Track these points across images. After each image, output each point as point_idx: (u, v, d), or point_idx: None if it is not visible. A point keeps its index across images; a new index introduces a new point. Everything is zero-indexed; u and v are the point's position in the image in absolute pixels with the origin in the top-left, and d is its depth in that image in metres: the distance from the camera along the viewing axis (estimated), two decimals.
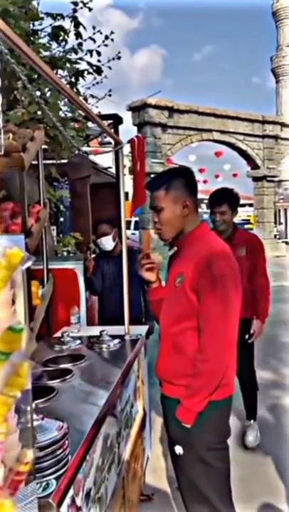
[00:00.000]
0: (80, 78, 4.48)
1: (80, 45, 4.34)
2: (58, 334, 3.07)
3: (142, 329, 3.20)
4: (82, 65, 4.46)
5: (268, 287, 3.43)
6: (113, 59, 4.71)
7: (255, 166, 21.87)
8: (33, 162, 2.86)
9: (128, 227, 17.32)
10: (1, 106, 1.73)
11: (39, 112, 3.70)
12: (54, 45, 4.26)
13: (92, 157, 8.08)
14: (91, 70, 4.55)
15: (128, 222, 17.87)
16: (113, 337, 2.83)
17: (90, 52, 4.46)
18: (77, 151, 4.39)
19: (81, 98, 4.16)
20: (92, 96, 4.93)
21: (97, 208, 6.97)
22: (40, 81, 3.69)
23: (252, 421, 3.60)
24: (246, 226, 20.68)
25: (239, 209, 3.62)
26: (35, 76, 3.67)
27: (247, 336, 3.41)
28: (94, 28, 4.47)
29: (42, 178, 3.17)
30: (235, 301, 1.83)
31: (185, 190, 1.94)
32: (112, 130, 5.33)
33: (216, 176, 22.67)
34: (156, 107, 17.37)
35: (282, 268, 15.06)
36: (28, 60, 1.57)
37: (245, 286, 3.28)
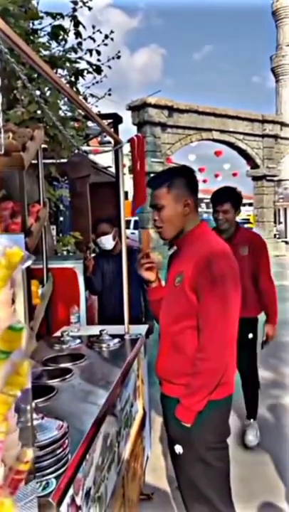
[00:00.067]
0: (80, 77, 4.49)
1: (79, 44, 4.35)
2: (58, 333, 3.07)
3: (142, 328, 3.20)
4: (82, 65, 4.47)
5: (274, 290, 3.43)
6: (113, 58, 4.72)
7: (254, 166, 21.86)
8: (33, 161, 2.85)
9: (128, 227, 17.34)
10: (1, 105, 1.73)
11: (39, 111, 3.70)
12: (54, 44, 4.27)
13: (91, 156, 8.08)
14: (91, 70, 4.55)
15: (128, 222, 17.87)
16: (113, 336, 2.82)
17: (90, 51, 4.46)
18: (76, 151, 4.39)
19: (81, 97, 4.15)
20: (92, 95, 4.93)
21: (96, 207, 6.97)
22: (40, 80, 3.69)
23: (252, 420, 3.60)
24: (246, 225, 20.64)
25: None
26: (35, 75, 3.67)
27: (251, 336, 3.42)
28: (94, 27, 4.47)
29: (42, 177, 3.17)
30: (234, 301, 1.83)
31: (187, 189, 1.94)
32: (112, 129, 5.33)
33: (216, 176, 22.65)
34: (155, 106, 17.36)
35: (282, 267, 15.06)
36: (28, 60, 1.56)
37: (248, 286, 3.29)
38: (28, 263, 0.98)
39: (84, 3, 4.23)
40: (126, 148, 3.54)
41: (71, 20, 4.24)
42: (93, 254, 4.17)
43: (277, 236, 24.81)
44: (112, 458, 2.02)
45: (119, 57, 4.77)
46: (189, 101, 20.18)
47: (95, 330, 3.04)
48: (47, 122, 3.66)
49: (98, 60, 4.56)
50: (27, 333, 0.97)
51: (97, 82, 4.80)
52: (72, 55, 4.34)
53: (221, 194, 3.41)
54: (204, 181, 23.14)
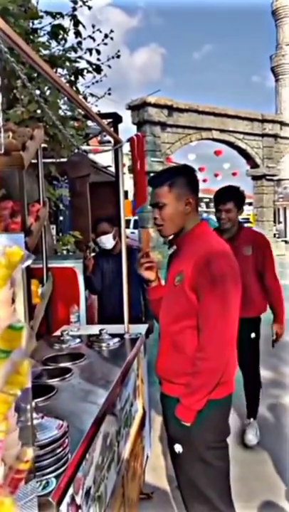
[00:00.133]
0: (80, 77, 4.49)
1: (79, 43, 4.34)
2: (58, 333, 3.07)
3: (142, 328, 3.20)
4: (82, 64, 4.47)
5: (280, 289, 3.44)
6: (112, 57, 4.72)
7: (254, 165, 21.85)
8: (33, 161, 2.85)
9: (127, 226, 17.34)
10: (1, 104, 1.73)
11: (39, 111, 3.70)
12: (53, 43, 4.27)
13: (91, 156, 8.07)
14: (90, 69, 4.55)
15: (127, 221, 17.87)
16: (113, 336, 2.82)
17: (90, 50, 4.46)
18: (76, 150, 4.40)
19: (80, 97, 4.15)
20: (92, 95, 4.93)
21: (96, 206, 6.98)
22: (40, 80, 3.69)
23: (252, 419, 3.60)
24: (246, 225, 20.62)
25: None
26: (35, 75, 3.67)
27: (253, 335, 3.43)
28: (93, 26, 4.47)
29: (41, 176, 3.16)
30: (234, 300, 1.82)
31: (188, 188, 1.94)
32: (112, 129, 5.32)
33: (216, 175, 22.64)
34: (155, 105, 17.34)
35: (282, 267, 15.05)
36: (28, 59, 1.56)
37: (252, 286, 3.29)
38: (28, 262, 0.98)
39: (84, 3, 4.23)
40: (126, 148, 3.54)
41: (71, 20, 4.23)
42: (93, 254, 4.17)
43: (276, 235, 24.81)
44: (111, 457, 2.03)
45: (118, 56, 4.77)
46: (189, 100, 20.14)
47: (94, 329, 3.04)
48: (47, 122, 3.65)
49: (98, 59, 4.56)
50: (27, 332, 0.97)
51: (96, 82, 4.80)
52: (72, 55, 4.34)
53: (223, 193, 3.40)
54: (204, 181, 23.14)
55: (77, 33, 4.29)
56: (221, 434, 1.92)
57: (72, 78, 4.43)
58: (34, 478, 1.08)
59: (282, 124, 22.29)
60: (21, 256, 0.96)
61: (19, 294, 1.01)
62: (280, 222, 29.33)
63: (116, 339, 2.80)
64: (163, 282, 2.12)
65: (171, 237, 2.05)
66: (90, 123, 4.92)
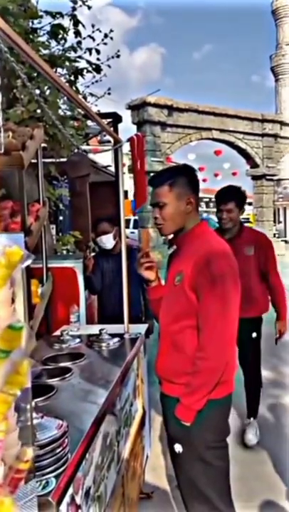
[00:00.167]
0: (80, 76, 4.49)
1: (79, 43, 4.34)
2: (58, 333, 3.07)
3: (142, 328, 3.20)
4: (82, 64, 4.47)
5: (283, 288, 3.45)
6: (112, 57, 4.71)
7: (254, 165, 21.84)
8: (33, 160, 2.85)
9: (127, 226, 17.34)
10: (1, 104, 1.73)
11: (38, 111, 3.70)
12: (53, 43, 4.27)
13: (91, 156, 8.07)
14: (90, 69, 4.54)
15: (127, 221, 17.88)
16: (112, 335, 2.82)
17: (90, 50, 4.46)
18: (76, 150, 4.39)
19: (80, 96, 4.15)
20: (92, 94, 4.93)
21: (96, 206, 6.97)
22: (40, 79, 3.69)
23: (252, 419, 3.60)
24: (245, 225, 20.61)
25: None
26: (35, 74, 3.67)
27: (255, 335, 3.43)
28: (93, 26, 4.47)
29: (41, 176, 3.16)
30: (234, 300, 1.83)
31: (189, 187, 1.94)
32: (112, 128, 5.32)
33: (216, 175, 22.63)
34: (155, 105, 17.33)
35: (282, 266, 15.05)
36: (28, 59, 1.56)
37: (254, 286, 3.30)
38: (28, 262, 0.98)
39: (83, 2, 4.23)
40: (125, 148, 3.54)
41: (71, 19, 4.23)
42: (93, 254, 4.17)
43: (276, 235, 24.81)
44: (111, 457, 2.03)
45: (118, 56, 4.77)
46: (189, 100, 20.11)
47: (94, 329, 3.04)
48: (46, 121, 3.65)
49: (98, 59, 4.56)
50: (27, 332, 0.97)
51: (96, 81, 4.80)
52: (72, 54, 4.34)
53: (225, 193, 3.39)
54: (204, 180, 23.12)
55: (77, 33, 4.29)
56: (221, 433, 1.92)
57: (72, 78, 4.43)
58: (34, 478, 1.08)
59: (282, 123, 22.28)
60: (21, 256, 0.96)
61: (19, 293, 1.01)
62: (279, 222, 29.34)
63: (116, 339, 2.80)
64: (163, 282, 2.13)
65: (171, 237, 2.05)
66: (89, 123, 4.92)
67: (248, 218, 25.36)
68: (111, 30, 4.55)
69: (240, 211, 3.36)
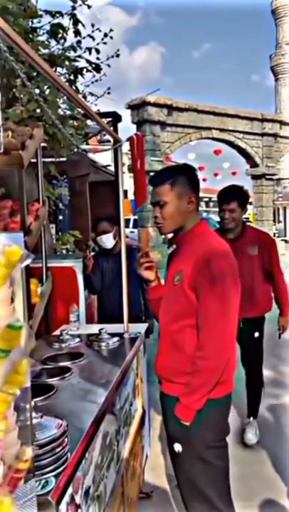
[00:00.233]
0: (79, 76, 4.49)
1: (78, 42, 4.34)
2: (57, 332, 3.07)
3: (141, 327, 3.20)
4: (81, 63, 4.47)
5: (286, 285, 3.48)
6: (112, 57, 4.72)
7: (254, 164, 21.83)
8: (32, 160, 2.85)
9: (127, 225, 17.33)
10: (0, 103, 1.73)
11: (38, 110, 3.70)
12: (53, 42, 4.27)
13: (91, 155, 8.07)
14: (90, 68, 4.55)
15: (127, 221, 17.87)
16: (112, 335, 2.82)
17: (89, 49, 4.46)
18: (76, 149, 4.39)
19: (80, 96, 4.15)
20: (91, 94, 4.93)
21: (96, 205, 6.97)
22: (39, 79, 3.69)
23: (251, 418, 3.60)
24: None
25: None
26: (34, 74, 3.67)
27: (257, 334, 3.44)
28: (93, 25, 4.47)
29: (41, 176, 3.16)
30: (234, 300, 1.82)
31: (189, 187, 1.94)
32: (111, 128, 5.32)
33: (215, 174, 22.63)
34: (155, 105, 17.32)
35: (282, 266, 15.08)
36: (27, 58, 1.56)
37: (258, 285, 3.30)
38: (27, 261, 0.98)
39: (83, 2, 4.23)
40: (125, 147, 3.53)
41: (70, 19, 4.23)
42: (92, 253, 4.16)
43: (276, 235, 24.82)
44: (111, 456, 2.03)
45: (118, 55, 4.77)
46: (189, 99, 20.15)
47: (94, 329, 3.04)
48: (46, 121, 3.65)
49: (97, 58, 4.56)
50: (26, 331, 0.97)
51: (96, 81, 4.80)
52: (72, 54, 4.34)
53: (227, 193, 3.37)
54: (204, 180, 23.11)
55: (77, 32, 4.29)
56: (221, 433, 1.92)
57: (72, 77, 4.43)
58: (33, 478, 1.08)
59: (281, 123, 22.29)
60: (20, 255, 0.96)
61: (18, 293, 1.01)
62: (279, 222, 29.34)
63: (115, 338, 2.80)
64: (162, 282, 2.12)
65: (170, 236, 2.05)
66: (89, 122, 4.92)
67: (247, 218, 25.37)
68: (111, 30, 4.56)
69: (242, 211, 3.35)
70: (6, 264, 0.94)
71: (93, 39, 4.45)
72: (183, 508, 2.00)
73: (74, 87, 4.43)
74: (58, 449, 1.34)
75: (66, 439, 1.39)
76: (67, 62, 4.29)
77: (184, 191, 1.93)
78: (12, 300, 0.98)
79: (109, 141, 12.61)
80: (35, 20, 4.15)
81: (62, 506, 1.28)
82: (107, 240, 3.75)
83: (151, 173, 2.30)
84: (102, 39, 4.51)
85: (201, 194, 2.03)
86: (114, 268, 3.65)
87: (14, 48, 1.47)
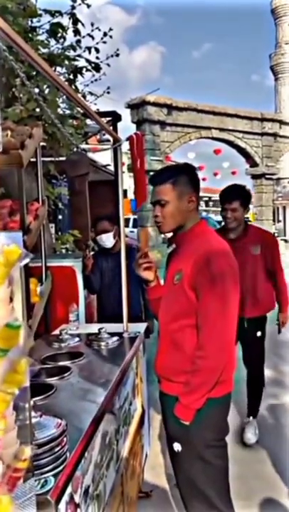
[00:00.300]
0: (79, 75, 4.48)
1: (78, 42, 4.34)
2: (57, 332, 3.07)
3: (141, 326, 3.20)
4: (81, 62, 4.47)
5: (286, 286, 3.48)
6: (112, 56, 4.72)
7: (254, 164, 21.83)
8: (32, 159, 2.85)
9: (127, 225, 17.33)
10: (0, 103, 1.73)
11: (37, 109, 3.69)
12: (52, 42, 4.26)
13: (90, 154, 8.07)
14: (89, 67, 4.54)
15: (127, 220, 17.88)
16: (112, 334, 2.82)
17: (89, 49, 4.45)
18: (75, 149, 4.39)
19: (79, 95, 4.15)
20: (91, 93, 4.92)
21: (95, 205, 6.96)
22: (39, 78, 3.69)
23: (251, 418, 3.60)
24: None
25: None
26: (34, 73, 3.66)
27: (259, 334, 3.44)
28: (92, 25, 4.46)
29: (40, 175, 3.16)
30: (233, 299, 1.82)
31: (190, 186, 1.94)
32: (111, 127, 5.32)
33: (215, 174, 22.65)
34: (154, 104, 17.31)
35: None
36: (27, 57, 1.56)
37: (260, 285, 3.31)
38: (26, 261, 0.98)
39: (82, 1, 4.23)
40: (125, 147, 3.53)
41: (70, 18, 4.23)
42: (92, 253, 4.16)
43: (276, 234, 24.83)
44: (110, 456, 2.02)
45: (118, 55, 4.77)
46: (188, 99, 20.14)
47: (93, 328, 3.04)
48: (46, 120, 3.65)
49: (97, 57, 4.55)
50: (25, 330, 0.97)
51: (96, 80, 4.79)
52: (71, 53, 4.34)
53: (229, 192, 3.36)
54: (203, 179, 23.11)
55: (76, 32, 4.29)
56: (220, 432, 1.92)
57: (71, 76, 4.42)
58: (32, 477, 1.08)
59: (281, 122, 22.29)
60: (19, 254, 0.96)
61: (17, 292, 1.01)
62: (279, 221, 29.36)
63: (115, 338, 2.80)
64: (162, 282, 2.12)
65: (170, 236, 2.05)
66: (89, 121, 4.92)
67: (247, 217, 25.38)
68: (110, 29, 4.55)
69: (244, 210, 3.34)
70: (5, 263, 0.94)
71: (93, 38, 4.44)
72: (182, 508, 2.00)
73: (73, 87, 4.43)
74: (57, 449, 1.34)
75: (65, 439, 1.39)
76: (66, 62, 4.28)
77: (185, 190, 1.93)
78: (11, 299, 0.98)
79: (108, 140, 12.61)
80: (34, 20, 4.15)
81: (62, 505, 1.28)
82: (107, 239, 3.75)
83: (151, 173, 2.30)
84: (102, 38, 4.51)
85: (200, 193, 2.03)
86: (113, 268, 3.65)
87: (14, 47, 1.46)
